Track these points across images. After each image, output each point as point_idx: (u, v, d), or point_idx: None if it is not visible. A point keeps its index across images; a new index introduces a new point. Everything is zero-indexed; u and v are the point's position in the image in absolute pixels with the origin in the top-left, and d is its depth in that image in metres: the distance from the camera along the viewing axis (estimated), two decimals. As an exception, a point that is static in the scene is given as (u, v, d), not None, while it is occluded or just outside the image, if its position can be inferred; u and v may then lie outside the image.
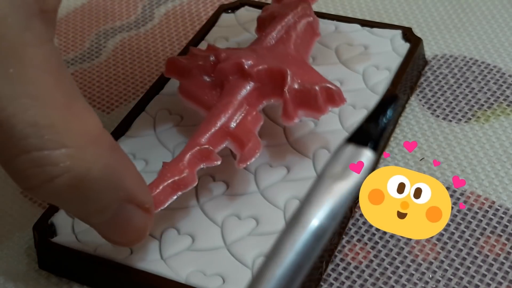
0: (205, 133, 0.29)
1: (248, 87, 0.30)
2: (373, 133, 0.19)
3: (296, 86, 0.30)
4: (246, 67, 0.30)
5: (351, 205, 0.31)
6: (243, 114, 0.30)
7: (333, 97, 0.30)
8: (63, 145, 0.23)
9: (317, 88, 0.30)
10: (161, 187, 0.28)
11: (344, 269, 0.29)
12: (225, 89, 0.31)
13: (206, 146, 0.29)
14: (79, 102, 0.24)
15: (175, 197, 0.28)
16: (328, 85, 0.30)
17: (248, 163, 0.29)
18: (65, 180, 0.23)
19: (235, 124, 0.30)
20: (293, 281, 0.18)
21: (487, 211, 0.31)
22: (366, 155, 0.18)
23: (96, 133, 0.24)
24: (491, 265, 0.29)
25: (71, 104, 0.23)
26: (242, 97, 0.30)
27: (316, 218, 0.18)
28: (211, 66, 0.32)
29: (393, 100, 0.19)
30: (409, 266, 0.29)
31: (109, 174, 0.24)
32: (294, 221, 0.18)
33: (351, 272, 0.29)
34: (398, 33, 0.38)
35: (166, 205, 0.28)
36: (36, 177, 0.23)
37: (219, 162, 0.29)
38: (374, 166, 0.33)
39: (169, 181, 0.28)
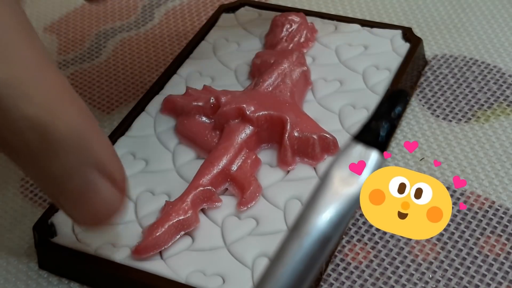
0: (207, 175, 0.30)
1: (248, 131, 0.32)
2: (382, 133, 0.17)
3: (296, 134, 0.31)
4: (247, 112, 0.32)
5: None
6: (243, 158, 0.31)
7: (329, 146, 0.32)
8: (31, 98, 0.23)
9: (315, 137, 0.31)
10: (166, 226, 0.29)
11: (344, 269, 0.29)
12: (225, 132, 0.32)
13: (209, 187, 0.30)
14: (50, 65, 0.24)
15: (178, 236, 0.29)
16: (325, 134, 0.32)
17: (249, 206, 0.30)
18: (30, 123, 0.23)
19: (236, 167, 0.31)
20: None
21: (487, 211, 0.31)
22: (375, 157, 0.17)
23: (66, 94, 0.24)
24: (491, 265, 0.29)
25: (41, 65, 0.24)
26: (242, 141, 0.31)
27: (321, 226, 0.17)
28: (211, 108, 0.33)
29: (401, 96, 0.18)
30: (409, 266, 0.29)
31: (77, 133, 0.24)
32: (299, 227, 0.17)
33: (351, 272, 0.29)
34: (398, 33, 0.38)
35: (169, 245, 0.29)
36: (3, 117, 0.23)
37: (220, 204, 0.30)
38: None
39: (174, 220, 0.29)
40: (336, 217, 0.17)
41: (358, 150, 0.17)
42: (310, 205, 0.17)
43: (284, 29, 0.37)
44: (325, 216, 0.17)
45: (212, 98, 0.33)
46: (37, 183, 0.26)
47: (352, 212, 0.17)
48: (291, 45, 0.37)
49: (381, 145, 0.17)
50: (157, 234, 0.28)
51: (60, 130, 0.24)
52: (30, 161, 0.25)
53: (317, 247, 0.17)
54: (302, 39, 0.37)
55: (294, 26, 0.37)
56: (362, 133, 0.18)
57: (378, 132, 0.17)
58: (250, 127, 0.32)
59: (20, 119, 0.23)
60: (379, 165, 0.17)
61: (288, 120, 0.31)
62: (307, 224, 0.17)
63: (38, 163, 0.24)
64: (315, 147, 0.31)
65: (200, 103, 0.33)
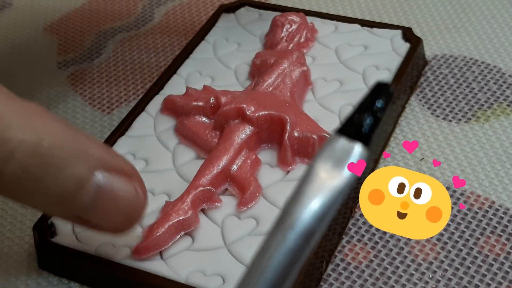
0: (207, 175, 0.30)
1: (248, 132, 0.32)
2: (365, 125, 0.17)
3: (296, 134, 0.31)
4: (247, 112, 0.32)
5: (351, 205, 0.31)
6: (243, 158, 0.31)
7: None
8: (8, 124, 0.23)
9: (315, 137, 0.31)
10: (166, 226, 0.29)
11: (344, 269, 0.29)
12: (225, 132, 0.32)
13: (209, 187, 0.30)
14: (15, 97, 0.24)
15: (178, 236, 0.29)
16: (325, 134, 0.32)
17: (249, 206, 0.30)
18: (23, 151, 0.23)
19: (236, 167, 0.31)
20: (282, 284, 0.17)
21: (487, 211, 0.31)
22: (359, 150, 0.17)
23: (40, 110, 0.24)
24: (491, 265, 0.29)
25: (8, 97, 0.24)
26: (242, 141, 0.31)
27: (305, 219, 0.17)
28: (211, 108, 0.33)
29: (384, 89, 0.18)
30: (409, 266, 0.29)
31: (67, 141, 0.24)
32: (283, 220, 0.17)
33: (351, 272, 0.29)
34: (398, 33, 0.38)
35: (169, 245, 0.29)
36: None
37: (220, 204, 0.30)
38: (372, 164, 0.33)
39: (174, 220, 0.29)
40: (320, 210, 0.17)
41: (342, 143, 0.17)
42: (294, 198, 0.17)
43: (284, 29, 0.37)
44: (309, 209, 0.17)
45: (212, 98, 0.33)
46: (54, 211, 0.26)
47: (337, 205, 0.17)
48: (291, 45, 0.37)
49: (365, 137, 0.17)
50: (157, 234, 0.28)
51: (51, 144, 0.23)
52: (38, 190, 0.24)
53: (301, 240, 0.17)
54: (302, 39, 0.37)
55: (294, 26, 0.37)
56: (345, 126, 0.18)
57: (361, 124, 0.17)
58: (250, 127, 0.32)
59: (5, 143, 0.23)
60: (363, 158, 0.17)
61: (288, 120, 0.31)
62: (291, 217, 0.17)
63: (46, 188, 0.24)
64: (315, 147, 0.31)
65: (200, 103, 0.33)
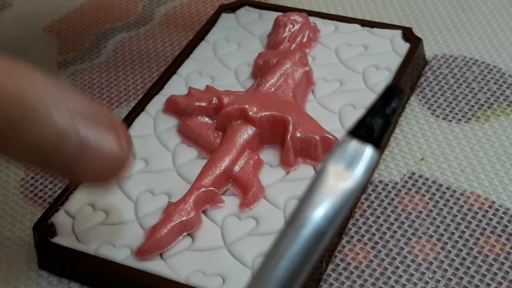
0: (210, 175, 0.30)
1: (250, 132, 0.32)
2: (377, 128, 0.18)
3: (298, 134, 0.31)
4: (250, 113, 0.32)
5: (351, 205, 0.31)
6: (246, 159, 0.31)
7: (331, 146, 0.32)
8: None
9: (317, 137, 0.31)
10: (169, 227, 0.29)
11: (344, 269, 0.29)
12: (228, 132, 0.32)
13: (212, 188, 0.30)
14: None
15: (181, 237, 0.29)
16: (327, 135, 0.32)
17: (251, 207, 0.30)
18: (6, 103, 0.23)
19: (238, 168, 0.31)
20: (292, 283, 0.17)
21: (487, 211, 0.31)
22: (370, 152, 0.18)
23: (24, 65, 0.24)
24: (491, 265, 0.29)
25: None
26: (244, 142, 0.32)
27: (317, 220, 0.17)
28: (214, 108, 0.33)
29: (396, 92, 0.18)
30: (409, 266, 0.29)
31: (49, 92, 0.24)
32: (294, 221, 0.17)
33: (351, 272, 0.29)
34: (398, 33, 0.38)
35: (172, 245, 0.29)
36: None
37: (223, 205, 0.30)
38: (376, 165, 0.33)
39: (177, 221, 0.29)
40: (331, 212, 0.17)
41: (353, 145, 0.18)
42: (306, 199, 0.18)
43: (287, 29, 0.37)
44: (320, 210, 0.17)
45: (214, 98, 0.33)
46: (39, 163, 0.25)
47: (347, 206, 0.17)
48: (294, 45, 0.37)
49: (376, 140, 0.18)
50: (160, 235, 0.28)
51: (34, 95, 0.24)
52: (22, 141, 0.24)
53: (312, 241, 0.17)
54: (305, 39, 0.37)
55: (297, 26, 0.37)
56: (357, 128, 0.18)
57: (372, 127, 0.18)
58: (253, 127, 0.32)
59: None
60: (373, 160, 0.18)
61: (291, 121, 0.31)
62: (303, 218, 0.17)
63: (30, 138, 0.24)
64: (317, 148, 0.31)
65: (202, 104, 0.33)
